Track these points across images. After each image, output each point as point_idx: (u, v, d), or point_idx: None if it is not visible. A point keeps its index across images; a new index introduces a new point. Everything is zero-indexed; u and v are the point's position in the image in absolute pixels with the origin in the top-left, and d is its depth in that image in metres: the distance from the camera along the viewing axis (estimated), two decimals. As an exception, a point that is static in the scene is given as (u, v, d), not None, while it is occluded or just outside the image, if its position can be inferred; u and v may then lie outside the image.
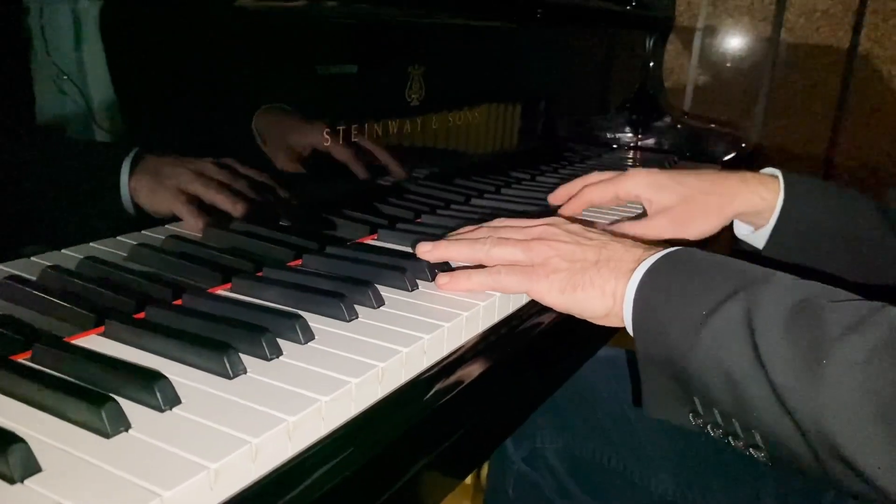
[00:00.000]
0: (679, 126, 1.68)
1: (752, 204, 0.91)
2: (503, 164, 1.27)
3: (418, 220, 0.98)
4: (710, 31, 3.03)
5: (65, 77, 0.65)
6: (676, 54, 3.00)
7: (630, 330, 0.69)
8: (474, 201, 1.11)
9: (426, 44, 1.00)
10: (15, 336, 0.59)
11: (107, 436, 0.47)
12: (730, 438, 0.64)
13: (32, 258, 0.70)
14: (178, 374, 0.55)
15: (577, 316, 0.74)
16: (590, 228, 0.79)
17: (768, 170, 0.94)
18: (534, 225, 0.79)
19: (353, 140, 0.91)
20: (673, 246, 0.73)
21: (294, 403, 0.52)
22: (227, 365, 0.55)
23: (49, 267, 0.68)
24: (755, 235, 0.94)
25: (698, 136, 1.68)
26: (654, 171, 0.95)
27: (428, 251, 0.77)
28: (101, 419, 0.47)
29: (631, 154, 1.66)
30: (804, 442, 0.57)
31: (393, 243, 0.88)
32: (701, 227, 0.91)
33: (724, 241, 0.97)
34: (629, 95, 1.69)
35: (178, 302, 0.68)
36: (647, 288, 0.67)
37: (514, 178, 1.24)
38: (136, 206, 0.72)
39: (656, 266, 0.69)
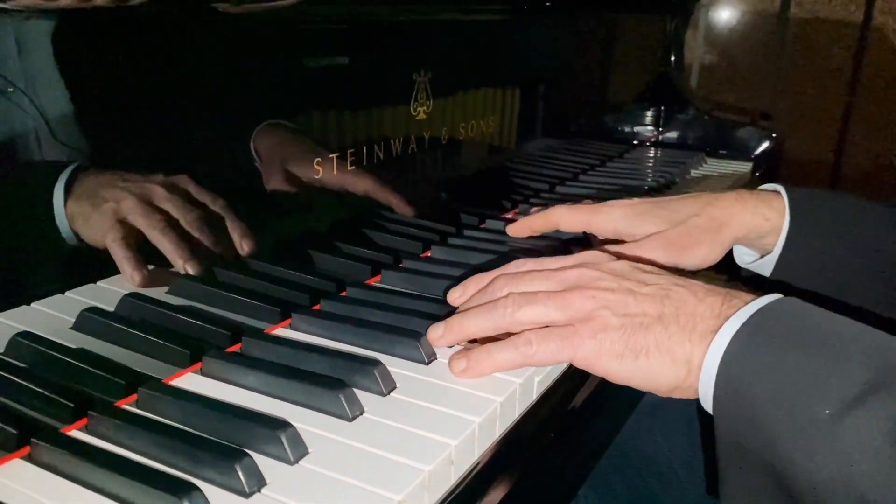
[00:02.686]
0: (706, 118, 1.53)
1: (754, 225, 0.74)
2: (520, 178, 1.12)
3: (426, 255, 0.83)
4: (717, 6, 2.91)
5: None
6: (682, 32, 2.86)
7: (708, 407, 0.53)
8: (490, 224, 0.95)
9: (432, 45, 0.85)
10: None
11: None
12: None
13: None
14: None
15: (636, 388, 0.57)
16: (640, 266, 0.62)
17: (769, 186, 0.77)
18: (566, 266, 0.61)
19: (349, 162, 0.76)
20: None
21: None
22: (188, 514, 0.40)
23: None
24: (761, 263, 0.77)
25: (726, 128, 1.52)
26: (634, 200, 0.77)
27: (440, 337, 0.60)
28: None
29: (652, 151, 1.50)
30: None
31: (399, 286, 0.73)
32: (697, 255, 0.72)
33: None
34: (648, 85, 1.53)
35: (131, 398, 0.52)
36: (739, 361, 0.50)
37: (532, 191, 1.09)
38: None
39: (751, 328, 0.51)
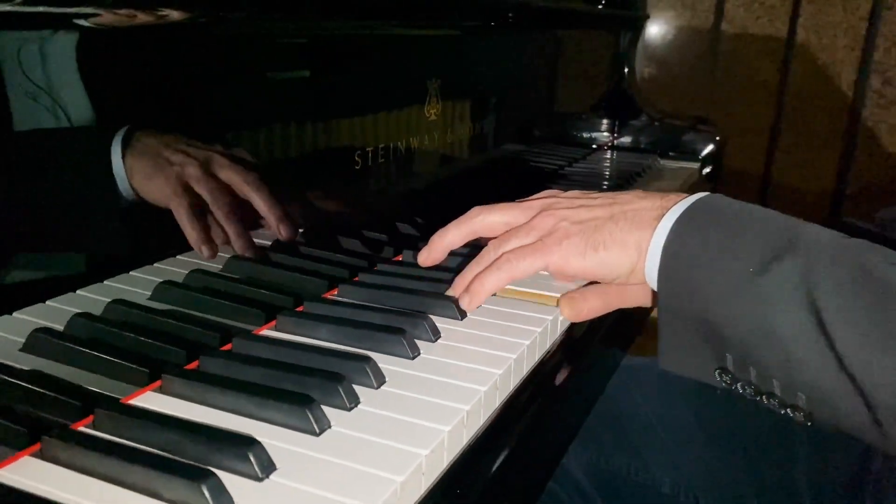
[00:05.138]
0: (656, 124, 1.68)
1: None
2: (497, 178, 1.25)
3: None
4: (653, 22, 3.06)
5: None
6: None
7: (652, 283, 0.65)
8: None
9: (439, 56, 0.97)
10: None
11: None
12: (763, 397, 0.61)
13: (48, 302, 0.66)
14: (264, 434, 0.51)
15: (601, 280, 0.70)
16: (589, 192, 0.74)
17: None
18: (532, 199, 0.74)
19: (380, 160, 0.87)
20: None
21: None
22: (312, 420, 0.51)
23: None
24: None
25: (675, 132, 1.68)
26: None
27: (427, 258, 0.74)
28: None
29: (610, 154, 1.65)
30: (865, 408, 0.54)
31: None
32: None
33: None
34: (605, 95, 1.68)
35: (228, 346, 0.63)
36: (679, 239, 0.62)
37: (508, 188, 1.22)
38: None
39: (688, 215, 0.63)
